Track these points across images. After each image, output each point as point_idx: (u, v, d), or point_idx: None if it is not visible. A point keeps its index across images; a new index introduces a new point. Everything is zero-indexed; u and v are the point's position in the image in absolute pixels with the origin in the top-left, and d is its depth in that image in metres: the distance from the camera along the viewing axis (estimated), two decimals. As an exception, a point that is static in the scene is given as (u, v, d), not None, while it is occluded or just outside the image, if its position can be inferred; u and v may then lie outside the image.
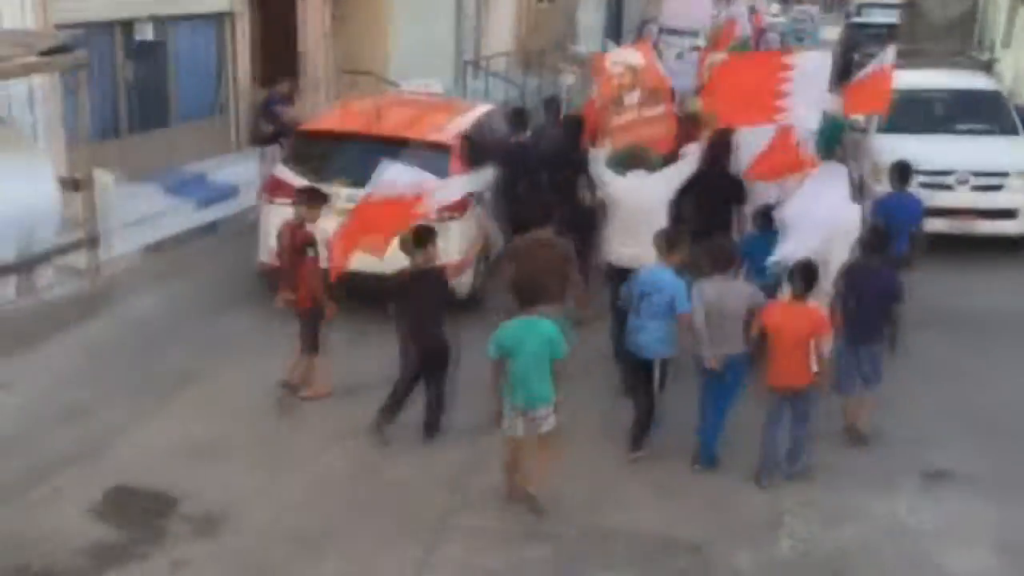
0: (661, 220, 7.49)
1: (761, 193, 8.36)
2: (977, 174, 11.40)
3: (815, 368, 6.35)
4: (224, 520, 5.97)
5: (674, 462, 6.74)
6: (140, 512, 6.05)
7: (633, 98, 9.16)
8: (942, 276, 10.46)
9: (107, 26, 11.14)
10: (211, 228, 11.34)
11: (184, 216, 11.29)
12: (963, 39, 20.68)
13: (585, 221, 8.51)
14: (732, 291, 6.56)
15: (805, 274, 6.44)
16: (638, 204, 7.79)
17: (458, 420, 7.09)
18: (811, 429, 6.62)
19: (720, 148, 8.58)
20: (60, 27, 9.59)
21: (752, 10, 20.15)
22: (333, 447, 6.87)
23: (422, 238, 6.72)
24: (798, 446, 6.61)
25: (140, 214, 10.81)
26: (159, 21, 11.88)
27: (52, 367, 7.84)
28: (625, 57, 9.80)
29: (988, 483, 6.68)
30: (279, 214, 8.87)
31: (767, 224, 7.78)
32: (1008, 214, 11.37)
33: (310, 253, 7.12)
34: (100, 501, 6.10)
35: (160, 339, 8.47)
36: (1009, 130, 12.45)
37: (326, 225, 7.37)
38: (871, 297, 6.86)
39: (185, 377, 7.85)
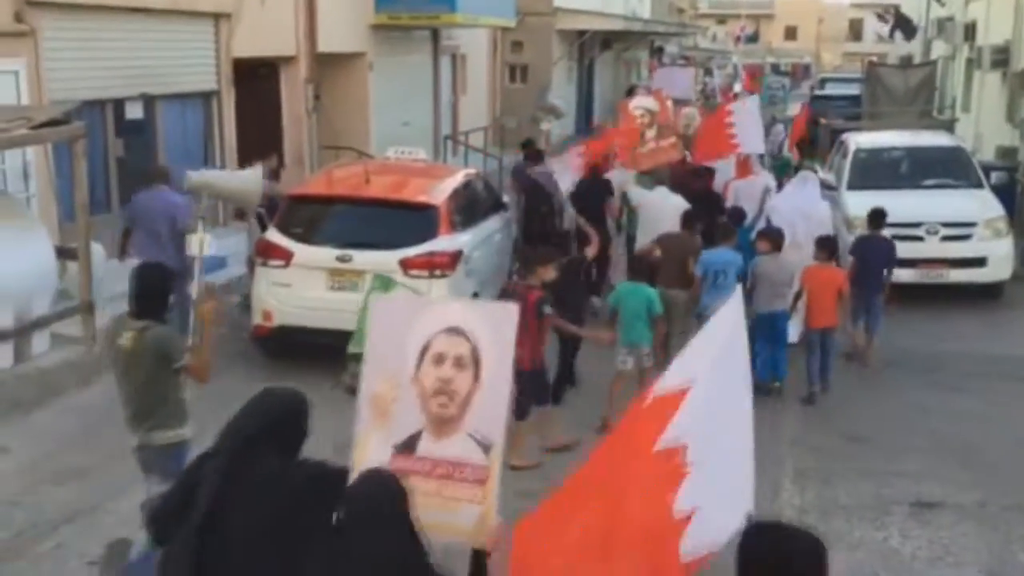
0: (675, 223, 9.52)
1: (746, 199, 10.90)
2: (946, 225, 11.77)
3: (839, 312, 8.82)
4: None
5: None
6: (143, 563, 6.09)
7: (652, 133, 12.40)
8: (916, 323, 10.77)
9: (98, 104, 11.43)
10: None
11: (174, 287, 11.42)
12: (926, 103, 21.41)
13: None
14: (781, 264, 8.70)
15: (827, 245, 8.93)
16: (661, 211, 10.07)
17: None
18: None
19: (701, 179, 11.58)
20: (54, 104, 9.85)
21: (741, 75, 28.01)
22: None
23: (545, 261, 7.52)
24: (828, 366, 8.86)
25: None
26: (148, 100, 12.19)
27: (49, 432, 7.91)
28: (644, 103, 13.11)
29: (974, 511, 6.85)
30: (269, 276, 9.13)
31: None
32: (978, 262, 11.71)
33: (546, 311, 7.10)
34: (102, 554, 6.14)
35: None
36: (974, 183, 12.92)
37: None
38: (875, 261, 9.55)
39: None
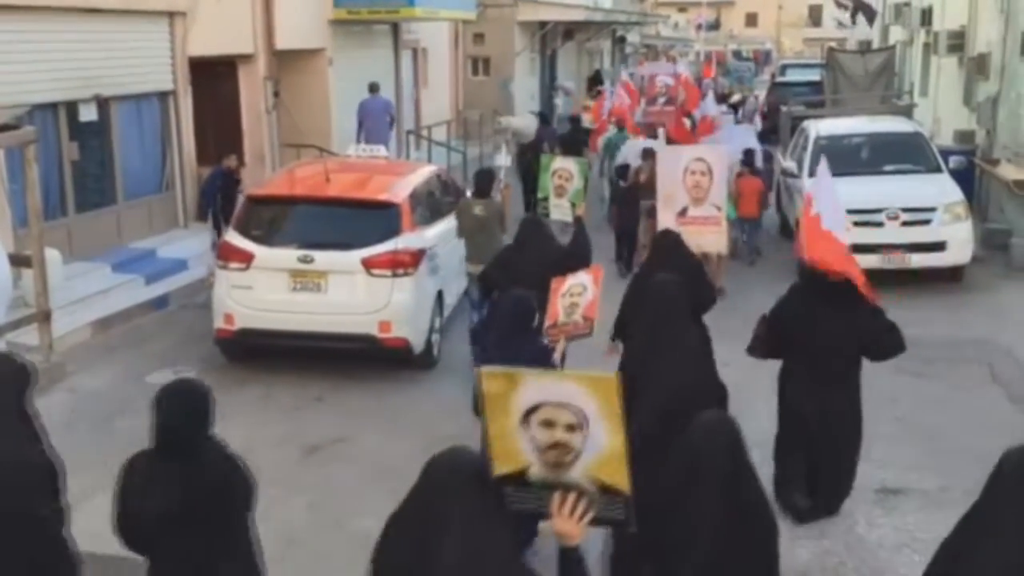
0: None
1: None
2: (907, 210, 11.85)
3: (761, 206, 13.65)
4: (192, 579, 5.91)
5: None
6: (107, 577, 5.98)
7: (663, 100, 19.09)
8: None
9: (50, 107, 11.22)
10: (161, 302, 11.33)
11: (133, 291, 11.28)
12: (885, 88, 21.55)
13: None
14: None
15: (751, 162, 13.60)
16: (632, 148, 14.67)
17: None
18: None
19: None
20: (3, 109, 9.65)
21: (701, 63, 34.22)
22: (296, 500, 6.90)
23: None
24: (754, 243, 13.75)
25: (88, 291, 10.79)
26: (102, 101, 11.98)
27: (7, 443, 7.73)
28: (664, 80, 20.02)
29: (937, 497, 6.92)
30: (230, 280, 9.01)
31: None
32: (939, 247, 11.81)
33: None
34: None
35: (114, 410, 8.44)
36: (933, 168, 13.01)
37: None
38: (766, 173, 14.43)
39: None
